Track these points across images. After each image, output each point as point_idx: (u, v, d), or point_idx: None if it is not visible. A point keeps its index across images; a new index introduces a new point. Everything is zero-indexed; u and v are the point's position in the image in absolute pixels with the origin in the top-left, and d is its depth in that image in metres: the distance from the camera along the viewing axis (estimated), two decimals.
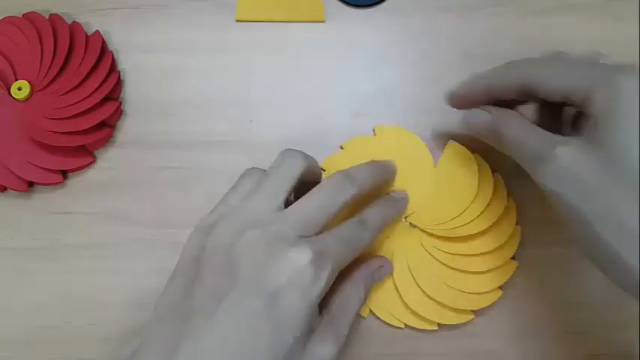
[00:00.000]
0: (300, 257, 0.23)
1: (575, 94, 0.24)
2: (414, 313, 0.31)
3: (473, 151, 0.32)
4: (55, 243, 0.33)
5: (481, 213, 0.31)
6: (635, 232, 0.21)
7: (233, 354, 0.21)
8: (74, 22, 0.35)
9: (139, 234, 0.33)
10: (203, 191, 0.33)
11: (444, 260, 0.31)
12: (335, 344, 0.24)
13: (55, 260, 0.33)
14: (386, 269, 0.30)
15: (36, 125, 0.32)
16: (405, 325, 0.31)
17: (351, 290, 0.27)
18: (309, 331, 0.24)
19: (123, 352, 0.24)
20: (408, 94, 0.35)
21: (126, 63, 0.36)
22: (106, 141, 0.34)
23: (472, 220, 0.31)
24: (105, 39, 0.35)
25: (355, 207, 0.28)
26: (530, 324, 0.31)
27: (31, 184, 0.33)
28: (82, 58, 0.34)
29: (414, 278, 0.31)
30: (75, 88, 0.33)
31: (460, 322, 0.30)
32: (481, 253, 0.31)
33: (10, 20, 0.35)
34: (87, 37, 0.35)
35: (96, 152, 0.34)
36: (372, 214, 0.28)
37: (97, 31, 0.35)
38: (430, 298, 0.30)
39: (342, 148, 0.34)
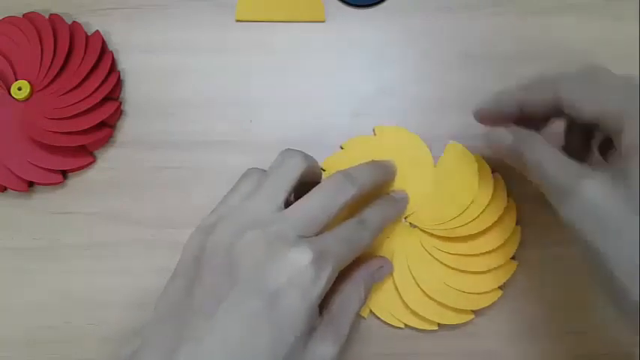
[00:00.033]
0: (301, 257, 0.23)
1: (606, 122, 0.23)
2: (414, 313, 0.31)
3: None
4: (55, 243, 0.33)
5: (481, 213, 0.31)
6: None
7: (233, 354, 0.21)
8: (74, 22, 0.35)
9: (139, 234, 0.33)
10: (203, 191, 0.33)
11: (444, 260, 0.31)
12: (335, 344, 0.24)
13: (55, 260, 0.33)
14: (386, 269, 0.30)
15: (36, 125, 0.32)
16: (405, 325, 0.31)
17: (351, 290, 0.27)
18: (310, 331, 0.24)
19: (123, 352, 0.24)
20: (408, 94, 0.35)
21: (126, 63, 0.36)
22: (106, 141, 0.34)
23: (472, 220, 0.31)
24: (105, 39, 0.35)
25: (355, 207, 0.28)
26: (530, 324, 0.31)
27: (31, 184, 0.33)
28: (82, 58, 0.34)
29: (414, 278, 0.31)
30: (75, 88, 0.33)
31: (460, 322, 0.30)
32: (481, 253, 0.31)
33: (10, 20, 0.35)
34: (87, 37, 0.35)
35: (96, 152, 0.34)
36: (372, 214, 0.28)
37: (97, 31, 0.35)
38: (430, 298, 0.30)
39: (342, 148, 0.34)
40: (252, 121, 0.35)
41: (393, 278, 0.31)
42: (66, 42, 0.34)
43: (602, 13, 0.36)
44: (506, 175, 0.32)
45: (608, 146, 0.26)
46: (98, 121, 0.33)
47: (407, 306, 0.31)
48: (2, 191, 0.33)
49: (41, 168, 0.33)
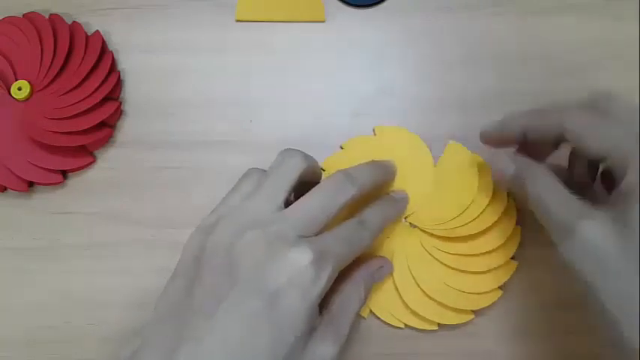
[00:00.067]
0: (301, 257, 0.23)
1: (609, 160, 0.24)
2: (414, 313, 0.31)
3: None
4: (55, 243, 0.33)
5: (481, 213, 0.31)
6: None
7: (233, 354, 0.21)
8: (74, 22, 0.35)
9: (139, 234, 0.33)
10: (203, 191, 0.33)
11: (444, 260, 0.31)
12: (335, 344, 0.24)
13: (55, 260, 0.33)
14: (386, 269, 0.30)
15: (36, 125, 0.32)
16: (405, 325, 0.31)
17: (351, 290, 0.27)
18: (310, 331, 0.24)
19: (123, 352, 0.24)
20: (408, 94, 0.35)
21: (126, 63, 0.36)
22: (106, 141, 0.34)
23: (472, 220, 0.31)
24: (105, 39, 0.35)
25: (355, 207, 0.28)
26: (530, 324, 0.31)
27: (31, 184, 0.33)
28: (82, 58, 0.34)
29: (414, 278, 0.31)
30: (75, 88, 0.33)
31: (460, 322, 0.30)
32: (481, 253, 0.31)
33: (10, 20, 0.35)
34: (87, 37, 0.35)
35: (96, 152, 0.34)
36: (373, 214, 0.28)
37: (97, 31, 0.35)
38: (430, 298, 0.30)
39: (342, 148, 0.34)
40: (252, 121, 0.35)
41: (393, 278, 0.31)
42: (66, 42, 0.34)
43: (602, 13, 0.36)
44: None
45: (610, 184, 0.26)
46: (98, 121, 0.33)
47: (407, 306, 0.31)
48: (2, 191, 0.33)
49: (41, 168, 0.33)
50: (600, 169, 0.28)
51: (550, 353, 0.31)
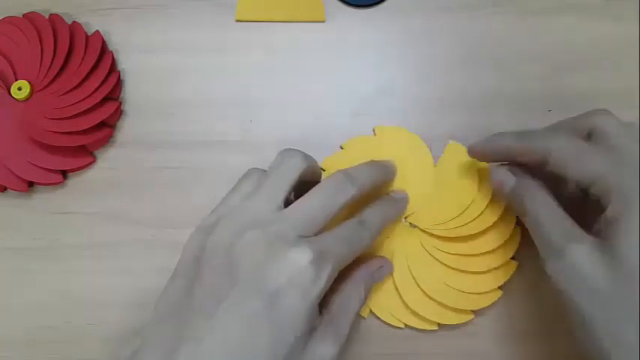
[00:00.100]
0: (300, 257, 0.23)
1: (592, 189, 0.24)
2: (414, 313, 0.31)
3: None
4: (55, 243, 0.33)
5: (481, 213, 0.31)
6: (635, 348, 0.21)
7: (233, 354, 0.21)
8: (74, 22, 0.35)
9: (139, 234, 0.33)
10: (203, 191, 0.33)
11: (444, 260, 0.31)
12: (335, 344, 0.24)
13: (55, 260, 0.33)
14: (386, 269, 0.30)
15: (36, 125, 0.32)
16: (405, 325, 0.31)
17: (351, 290, 0.27)
18: (310, 331, 0.24)
19: (123, 352, 0.24)
20: (408, 94, 0.35)
21: (126, 63, 0.36)
22: (106, 141, 0.34)
23: (472, 220, 0.31)
24: (105, 39, 0.35)
25: (355, 207, 0.28)
26: (530, 324, 0.31)
27: (31, 184, 0.33)
28: (82, 58, 0.34)
29: (414, 278, 0.31)
30: (75, 88, 0.33)
31: (460, 322, 0.30)
32: (481, 253, 0.31)
33: (10, 20, 0.35)
34: (87, 37, 0.35)
35: (96, 152, 0.34)
36: (373, 214, 0.28)
37: (97, 31, 0.35)
38: (430, 298, 0.30)
39: (342, 148, 0.34)
40: (252, 121, 0.35)
41: (393, 278, 0.31)
42: (66, 42, 0.34)
43: (602, 13, 0.36)
44: None
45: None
46: (98, 121, 0.33)
47: (407, 306, 0.31)
48: (2, 191, 0.33)
49: (41, 168, 0.33)
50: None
51: (550, 353, 0.31)
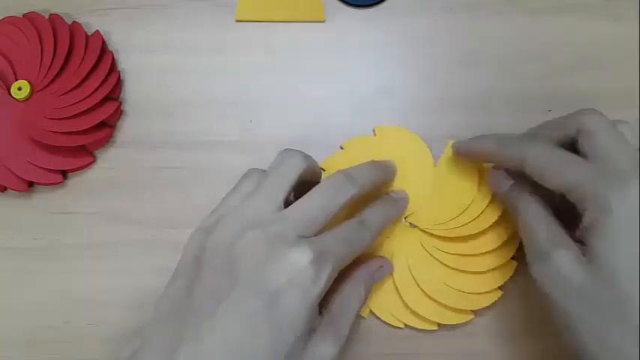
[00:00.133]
0: (300, 257, 0.23)
1: (569, 196, 0.25)
2: (414, 313, 0.31)
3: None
4: (55, 243, 0.33)
5: (481, 213, 0.31)
6: (621, 352, 0.22)
7: (233, 354, 0.21)
8: (74, 22, 0.35)
9: (139, 234, 0.33)
10: (203, 191, 0.33)
11: (444, 260, 0.31)
12: (335, 344, 0.24)
13: (55, 260, 0.33)
14: (386, 269, 0.30)
15: (36, 125, 0.32)
16: (405, 325, 0.31)
17: (351, 290, 0.27)
18: (310, 331, 0.24)
19: (123, 352, 0.24)
20: (408, 94, 0.35)
21: (126, 63, 0.36)
22: (106, 141, 0.34)
23: (472, 220, 0.31)
24: (105, 39, 0.35)
25: (355, 207, 0.28)
26: (530, 324, 0.31)
27: (31, 184, 0.33)
28: (82, 58, 0.34)
29: (414, 278, 0.31)
30: (75, 88, 0.33)
31: (460, 322, 0.30)
32: (481, 253, 0.31)
33: (10, 20, 0.35)
34: (87, 37, 0.35)
35: (96, 152, 0.34)
36: (373, 214, 0.28)
37: (97, 31, 0.35)
38: (430, 298, 0.30)
39: (342, 148, 0.34)
40: (252, 121, 0.35)
41: (393, 278, 0.31)
42: (66, 42, 0.34)
43: (602, 13, 0.36)
44: None
45: None
46: (98, 121, 0.33)
47: (407, 306, 0.31)
48: (2, 191, 0.33)
49: (41, 168, 0.33)
50: None
51: (550, 353, 0.31)
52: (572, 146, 0.26)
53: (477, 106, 0.34)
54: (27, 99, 0.33)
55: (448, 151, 0.33)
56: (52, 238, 0.33)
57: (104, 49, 0.35)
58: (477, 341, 0.31)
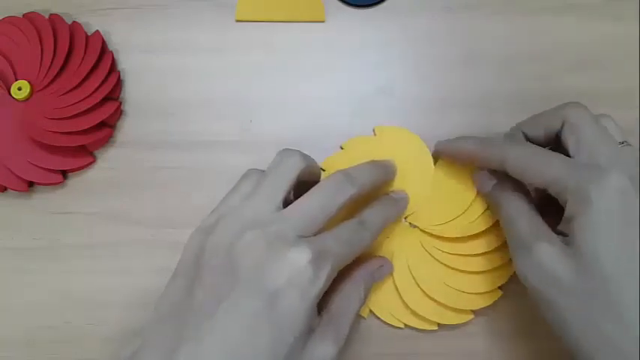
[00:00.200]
0: (300, 257, 0.23)
1: (549, 191, 0.25)
2: (414, 313, 0.31)
3: None
4: (55, 243, 0.33)
5: (481, 213, 0.31)
6: (607, 337, 0.22)
7: (233, 354, 0.21)
8: (74, 22, 0.35)
9: (139, 234, 0.33)
10: (203, 191, 0.33)
11: (444, 260, 0.31)
12: (335, 344, 0.24)
13: (55, 260, 0.33)
14: (386, 269, 0.30)
15: (36, 125, 0.32)
16: (405, 325, 0.31)
17: (351, 290, 0.27)
18: (309, 331, 0.24)
19: (123, 352, 0.24)
20: (408, 94, 0.35)
21: (126, 63, 0.36)
22: (106, 141, 0.34)
23: (472, 220, 0.31)
24: (105, 39, 0.35)
25: (355, 207, 0.28)
26: (530, 324, 0.31)
27: (31, 184, 0.33)
28: (82, 58, 0.34)
29: (414, 278, 0.31)
30: (75, 88, 0.33)
31: (460, 322, 0.30)
32: (481, 253, 0.31)
33: (10, 20, 0.35)
34: (87, 37, 0.35)
35: (96, 152, 0.34)
36: (373, 214, 0.28)
37: (97, 31, 0.35)
38: (430, 298, 0.30)
39: (342, 148, 0.34)
40: (252, 121, 0.35)
41: (393, 278, 0.31)
42: (66, 42, 0.34)
43: (602, 13, 0.36)
44: None
45: None
46: (98, 121, 0.33)
47: (407, 306, 0.31)
48: (2, 191, 0.33)
49: (41, 168, 0.33)
50: None
51: (549, 353, 0.31)
52: (558, 139, 0.27)
53: (477, 106, 0.34)
54: (27, 99, 0.33)
55: None
56: (52, 238, 0.33)
57: (104, 49, 0.35)
58: (477, 341, 0.31)
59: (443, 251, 0.31)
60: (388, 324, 0.31)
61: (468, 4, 0.36)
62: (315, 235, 0.24)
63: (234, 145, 0.34)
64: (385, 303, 0.31)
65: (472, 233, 0.31)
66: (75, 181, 0.34)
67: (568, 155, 0.26)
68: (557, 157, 0.26)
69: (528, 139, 0.29)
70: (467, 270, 0.31)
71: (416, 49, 0.36)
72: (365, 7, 0.36)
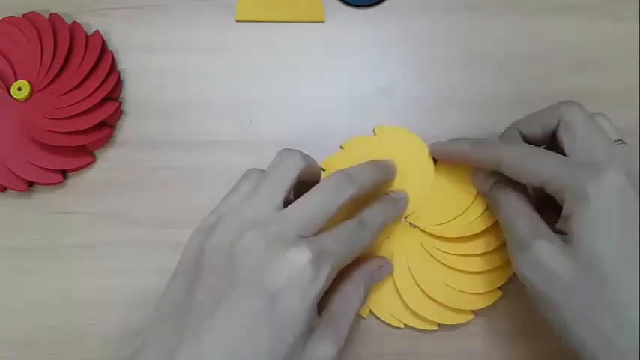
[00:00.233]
0: (300, 257, 0.23)
1: (546, 188, 0.25)
2: (414, 313, 0.31)
3: None
4: (55, 243, 0.33)
5: (481, 213, 0.31)
6: (606, 334, 0.23)
7: (233, 354, 0.21)
8: (74, 22, 0.35)
9: (139, 234, 0.33)
10: (203, 191, 0.33)
11: (444, 260, 0.31)
12: (335, 344, 0.24)
13: (55, 260, 0.33)
14: (386, 269, 0.30)
15: (36, 125, 0.32)
16: (405, 325, 0.31)
17: (351, 290, 0.27)
18: (309, 331, 0.24)
19: (123, 352, 0.24)
20: (408, 94, 0.35)
21: (126, 63, 0.36)
22: (106, 141, 0.34)
23: (472, 220, 0.31)
24: (105, 39, 0.35)
25: (355, 207, 0.28)
26: (530, 324, 0.31)
27: (31, 184, 0.33)
28: (82, 58, 0.34)
29: (414, 278, 0.31)
30: (75, 88, 0.33)
31: (460, 322, 0.30)
32: (481, 253, 0.31)
33: (10, 20, 0.35)
34: (87, 37, 0.35)
35: (96, 152, 0.34)
36: (373, 214, 0.28)
37: (97, 31, 0.35)
38: (430, 298, 0.30)
39: (342, 148, 0.34)
40: (252, 121, 0.35)
41: (393, 278, 0.31)
42: (66, 42, 0.34)
43: (602, 13, 0.36)
44: None
45: None
46: (98, 121, 0.33)
47: (407, 306, 0.31)
48: (2, 191, 0.33)
49: (41, 168, 0.33)
50: None
51: (550, 353, 0.31)
52: (554, 137, 0.27)
53: (477, 106, 0.34)
54: (27, 99, 0.33)
55: None
56: (52, 238, 0.33)
57: (104, 49, 0.35)
58: (477, 341, 0.31)
59: (443, 251, 0.31)
60: (388, 324, 0.31)
61: (468, 4, 0.36)
62: (315, 235, 0.24)
63: (234, 145, 0.34)
64: (385, 303, 0.31)
65: (472, 233, 0.31)
66: (75, 181, 0.34)
67: (563, 154, 0.26)
68: (552, 156, 0.26)
69: (524, 138, 0.29)
70: (467, 270, 0.31)
71: (416, 49, 0.36)
72: (365, 7, 0.36)
